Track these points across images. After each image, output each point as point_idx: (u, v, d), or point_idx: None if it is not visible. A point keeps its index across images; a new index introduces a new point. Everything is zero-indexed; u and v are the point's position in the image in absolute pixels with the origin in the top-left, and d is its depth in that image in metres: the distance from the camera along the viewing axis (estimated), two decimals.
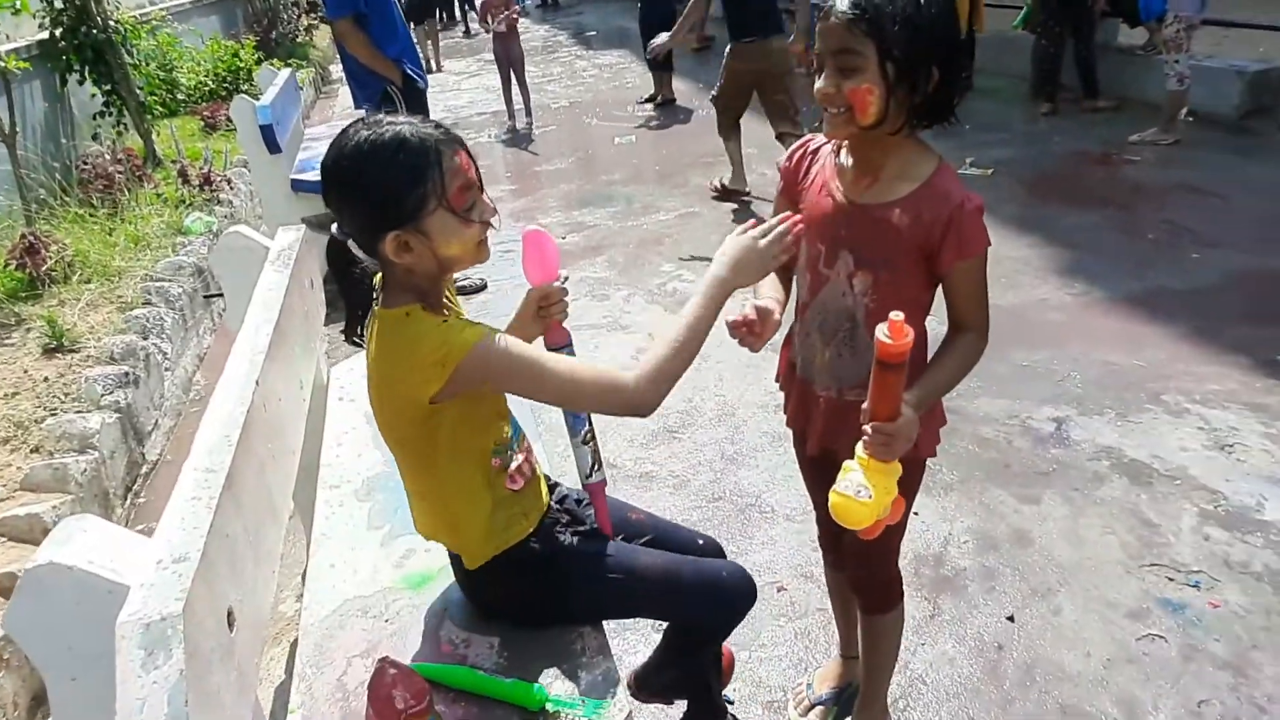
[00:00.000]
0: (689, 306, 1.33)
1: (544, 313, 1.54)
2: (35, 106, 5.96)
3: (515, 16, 8.08)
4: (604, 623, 1.52)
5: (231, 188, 5.86)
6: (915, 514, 1.76)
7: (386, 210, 1.22)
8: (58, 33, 5.99)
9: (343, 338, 1.44)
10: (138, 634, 0.97)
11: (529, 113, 8.33)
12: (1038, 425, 2.89)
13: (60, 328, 3.58)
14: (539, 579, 1.47)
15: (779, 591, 2.31)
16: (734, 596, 1.54)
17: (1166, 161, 5.42)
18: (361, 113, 4.63)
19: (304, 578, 1.83)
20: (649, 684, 1.76)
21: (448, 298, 1.41)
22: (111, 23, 6.21)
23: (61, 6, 5.95)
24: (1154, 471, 2.62)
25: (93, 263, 4.37)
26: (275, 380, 1.69)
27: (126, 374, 3.35)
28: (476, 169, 1.30)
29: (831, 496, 1.24)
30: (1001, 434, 2.85)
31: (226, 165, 6.26)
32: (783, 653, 2.13)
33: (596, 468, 1.57)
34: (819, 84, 1.28)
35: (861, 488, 1.22)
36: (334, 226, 1.33)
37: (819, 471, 1.64)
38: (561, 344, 1.53)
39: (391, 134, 1.21)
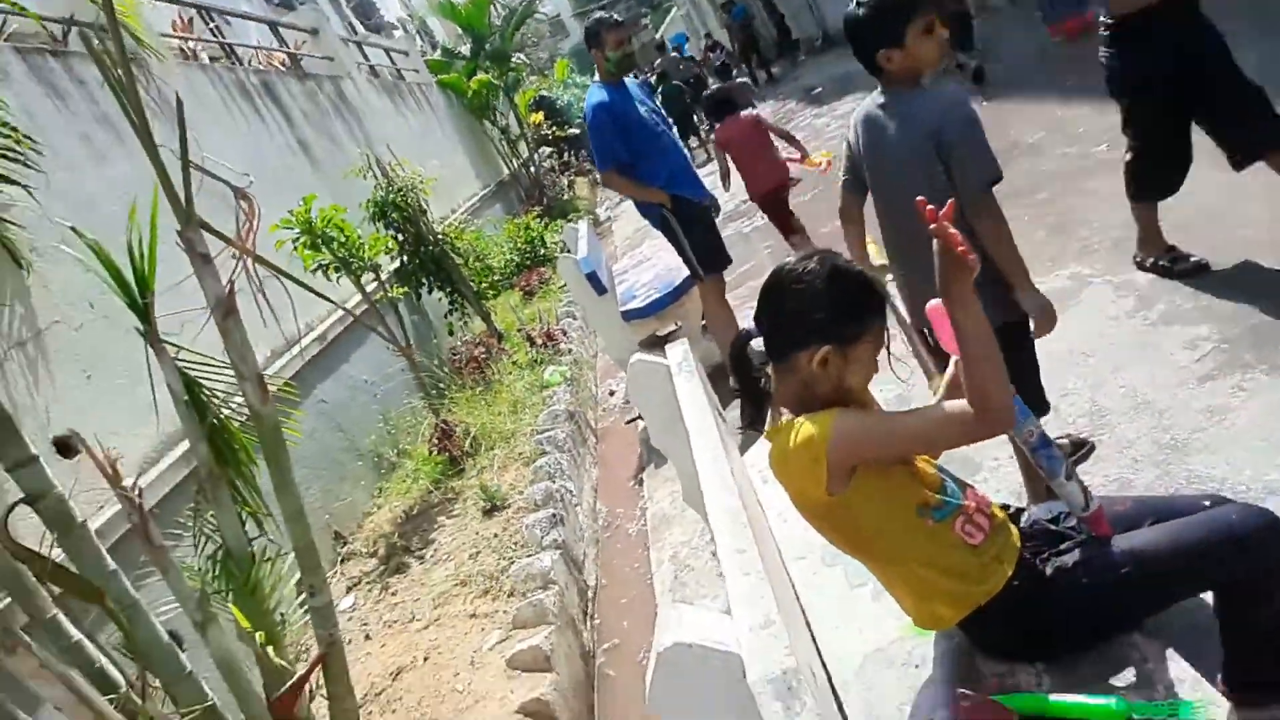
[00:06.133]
0: (950, 322, 1.38)
1: None
2: (407, 321, 7.23)
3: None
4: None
5: (566, 337, 6.61)
6: None
7: (830, 324, 1.41)
8: (405, 258, 7.29)
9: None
10: (770, 690, 1.10)
11: None
12: None
13: (491, 490, 4.21)
14: (1040, 613, 1.46)
15: None
16: (1252, 536, 1.41)
17: None
18: (647, 224, 4.91)
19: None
20: (1236, 676, 1.56)
21: None
22: (440, 236, 7.44)
23: (403, 238, 7.25)
24: None
25: (489, 432, 5.12)
26: (736, 467, 1.87)
27: (554, 515, 3.84)
28: None
29: None
30: None
31: (557, 320, 7.08)
32: None
33: (1089, 499, 1.52)
34: None
35: None
36: (744, 326, 1.52)
37: None
38: None
39: (859, 272, 1.47)
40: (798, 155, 5.92)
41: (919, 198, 1.32)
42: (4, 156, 3.12)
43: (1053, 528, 1.58)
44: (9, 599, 2.13)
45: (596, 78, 4.45)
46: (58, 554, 2.16)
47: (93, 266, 2.24)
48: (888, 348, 1.50)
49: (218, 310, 2.21)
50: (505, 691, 2.85)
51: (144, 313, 2.26)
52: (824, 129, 10.64)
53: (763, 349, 1.55)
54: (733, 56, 17.64)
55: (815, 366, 1.43)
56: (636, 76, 5.46)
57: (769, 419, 1.54)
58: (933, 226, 1.31)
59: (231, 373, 2.39)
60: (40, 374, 3.40)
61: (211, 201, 2.32)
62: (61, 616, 2.20)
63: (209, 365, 2.45)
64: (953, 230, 1.31)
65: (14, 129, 3.10)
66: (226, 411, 2.53)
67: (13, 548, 2.02)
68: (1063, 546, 1.51)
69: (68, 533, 2.13)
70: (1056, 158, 5.22)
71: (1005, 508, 1.64)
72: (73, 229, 2.50)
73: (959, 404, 1.35)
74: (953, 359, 1.58)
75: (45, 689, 1.82)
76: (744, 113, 6.05)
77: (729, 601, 1.30)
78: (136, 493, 2.14)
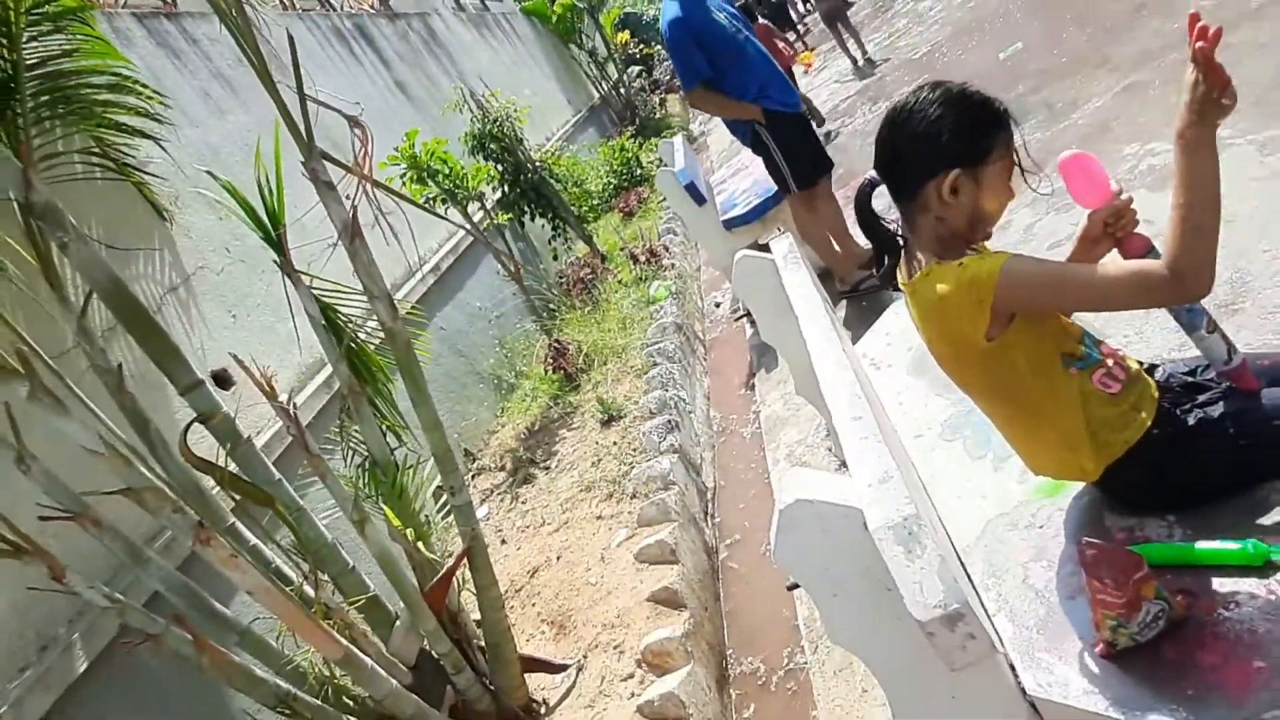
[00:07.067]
0: (1177, 169, 1.22)
1: (1113, 229, 1.49)
2: (513, 248, 7.41)
3: None
4: None
5: (669, 253, 6.63)
6: None
7: (956, 146, 1.36)
8: (506, 188, 7.43)
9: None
10: (891, 535, 1.15)
11: (865, 53, 9.47)
12: None
13: (607, 402, 4.35)
14: (1184, 462, 1.43)
15: None
16: None
17: None
18: (735, 143, 4.82)
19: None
20: None
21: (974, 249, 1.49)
22: (537, 163, 7.52)
23: (502, 168, 7.37)
24: None
25: (600, 348, 5.26)
26: (849, 349, 1.88)
27: (669, 421, 3.94)
28: None
29: None
30: None
31: (659, 236, 7.10)
32: None
33: (1233, 352, 1.45)
34: None
35: None
36: (867, 175, 1.51)
37: None
38: (1145, 251, 1.45)
39: (975, 91, 1.39)
40: (793, 55, 8.37)
41: (1192, 11, 1.18)
42: (138, 113, 3.35)
43: (1190, 379, 1.55)
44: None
45: None
46: (232, 469, 2.41)
47: (229, 208, 2.41)
48: (1020, 166, 1.45)
49: (345, 234, 2.36)
50: (635, 583, 3.01)
51: (278, 244, 2.42)
52: (925, 13, 10.04)
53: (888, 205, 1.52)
54: None
55: (947, 195, 1.39)
56: None
57: (906, 270, 1.52)
58: (1199, 45, 1.13)
59: (361, 299, 2.56)
60: (193, 315, 3.71)
61: (323, 145, 2.44)
62: (239, 525, 2.47)
63: (340, 291, 2.63)
64: (1218, 61, 1.13)
65: (144, 85, 3.31)
66: (361, 336, 2.71)
67: (194, 460, 2.27)
68: (1203, 398, 1.47)
69: (236, 446, 2.37)
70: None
71: (1139, 363, 1.61)
72: (208, 172, 2.69)
73: (1150, 264, 1.26)
74: (1086, 214, 1.52)
75: (237, 577, 2.06)
76: (759, 23, 7.73)
77: (849, 466, 1.34)
78: (292, 406, 2.35)
